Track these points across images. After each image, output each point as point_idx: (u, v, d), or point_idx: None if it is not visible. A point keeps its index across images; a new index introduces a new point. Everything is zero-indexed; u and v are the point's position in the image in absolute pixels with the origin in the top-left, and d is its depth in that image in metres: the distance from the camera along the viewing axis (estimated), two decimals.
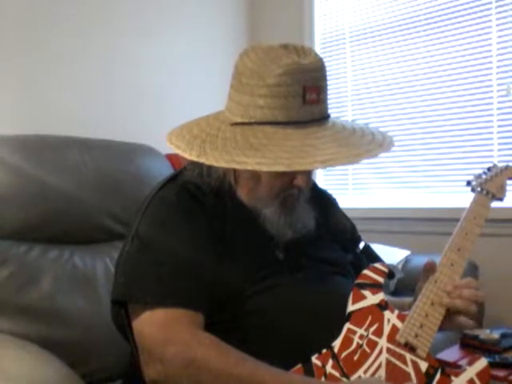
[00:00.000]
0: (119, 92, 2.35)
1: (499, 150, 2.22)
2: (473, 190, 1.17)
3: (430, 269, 1.06)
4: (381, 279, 1.08)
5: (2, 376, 1.01)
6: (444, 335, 1.55)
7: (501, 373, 1.53)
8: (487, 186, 1.17)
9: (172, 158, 1.81)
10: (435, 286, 1.04)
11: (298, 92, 0.99)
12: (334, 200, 1.33)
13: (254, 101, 1.01)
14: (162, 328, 0.93)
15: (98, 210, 1.54)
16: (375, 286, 1.06)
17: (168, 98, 2.53)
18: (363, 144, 1.04)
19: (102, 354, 1.40)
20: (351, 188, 2.72)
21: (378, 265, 1.11)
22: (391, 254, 2.07)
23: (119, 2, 2.37)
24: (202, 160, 0.98)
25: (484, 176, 1.20)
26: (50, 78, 2.14)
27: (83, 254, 1.50)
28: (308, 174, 1.07)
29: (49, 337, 1.33)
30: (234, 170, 1.08)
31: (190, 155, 0.99)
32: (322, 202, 1.26)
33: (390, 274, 1.10)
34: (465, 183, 1.20)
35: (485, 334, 1.67)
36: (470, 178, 1.21)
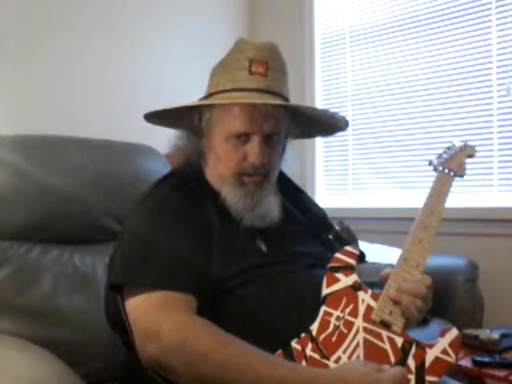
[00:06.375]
0: (119, 92, 2.34)
1: (499, 149, 2.21)
2: (435, 169, 1.21)
3: (386, 279, 1.07)
4: (353, 261, 1.11)
5: (2, 376, 1.01)
6: None
7: (501, 373, 1.53)
8: (448, 164, 1.21)
9: (172, 158, 1.80)
10: (405, 264, 1.07)
11: (244, 65, 1.14)
12: (305, 192, 1.40)
13: (214, 81, 1.19)
14: (158, 309, 0.97)
15: (98, 210, 1.54)
16: (348, 268, 1.10)
17: (168, 99, 2.52)
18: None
19: (102, 354, 1.40)
20: (351, 188, 2.72)
21: (349, 248, 1.15)
22: (391, 254, 2.07)
23: (119, 2, 2.37)
24: (166, 108, 1.19)
25: (444, 155, 1.23)
26: (50, 78, 2.14)
27: (83, 254, 1.50)
28: (258, 151, 1.13)
29: (49, 337, 1.33)
30: (203, 151, 1.19)
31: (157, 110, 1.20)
32: (300, 197, 1.33)
33: (360, 256, 1.15)
34: (428, 163, 1.23)
35: (485, 333, 1.67)
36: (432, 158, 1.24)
